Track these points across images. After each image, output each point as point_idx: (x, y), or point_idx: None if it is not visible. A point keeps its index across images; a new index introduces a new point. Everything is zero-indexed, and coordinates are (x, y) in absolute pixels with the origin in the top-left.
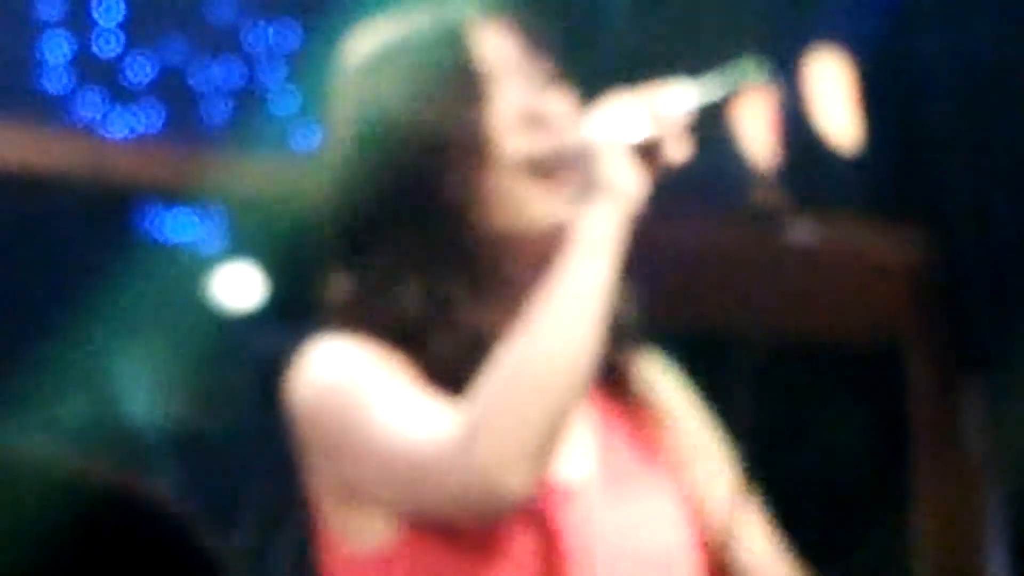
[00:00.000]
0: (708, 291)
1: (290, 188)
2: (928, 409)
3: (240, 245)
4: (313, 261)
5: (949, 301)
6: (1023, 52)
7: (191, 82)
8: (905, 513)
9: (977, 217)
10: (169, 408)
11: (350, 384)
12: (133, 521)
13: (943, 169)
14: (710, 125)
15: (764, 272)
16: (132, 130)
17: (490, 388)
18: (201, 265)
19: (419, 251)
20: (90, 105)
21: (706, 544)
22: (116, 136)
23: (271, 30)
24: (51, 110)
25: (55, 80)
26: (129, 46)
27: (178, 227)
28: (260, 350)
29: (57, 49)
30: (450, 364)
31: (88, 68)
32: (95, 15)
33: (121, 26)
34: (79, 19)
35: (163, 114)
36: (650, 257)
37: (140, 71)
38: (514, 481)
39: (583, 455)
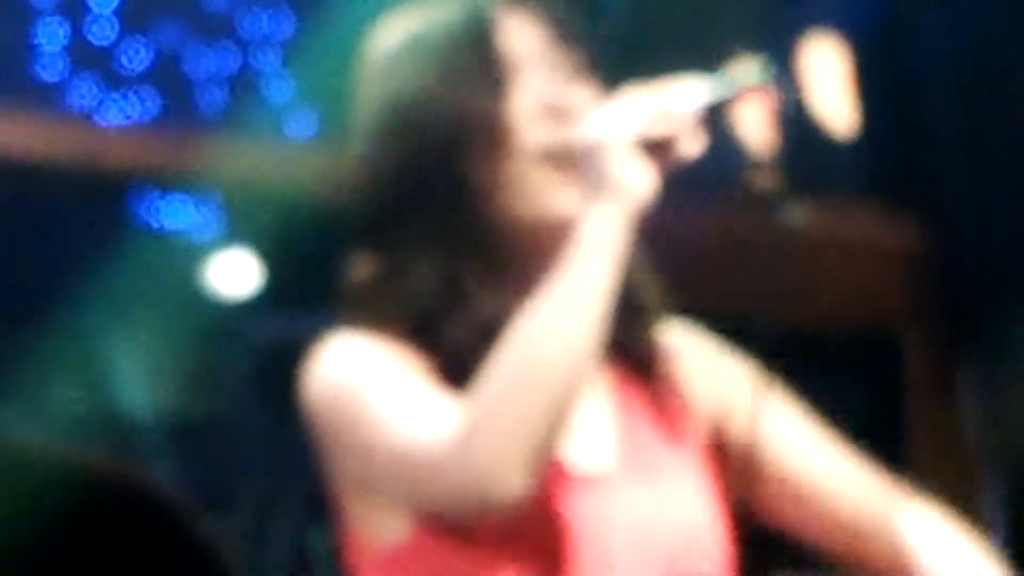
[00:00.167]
0: (703, 277)
1: (285, 175)
2: (924, 395)
3: (235, 232)
4: (308, 248)
5: (945, 288)
6: (1020, 39)
7: (186, 69)
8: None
9: (974, 203)
10: (164, 395)
11: (359, 384)
12: (128, 508)
13: (939, 155)
14: (706, 111)
15: (759, 258)
16: (127, 117)
17: (488, 388)
18: (196, 252)
19: (436, 236)
20: (85, 92)
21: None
22: (111, 123)
23: (265, 17)
24: (46, 97)
25: (50, 67)
26: (124, 33)
27: (173, 214)
28: (255, 337)
29: (52, 36)
30: (462, 351)
31: (83, 55)
32: (89, 2)
33: (116, 13)
34: (73, 6)
35: (158, 101)
36: (644, 243)
37: (135, 58)
38: (510, 481)
39: (603, 443)
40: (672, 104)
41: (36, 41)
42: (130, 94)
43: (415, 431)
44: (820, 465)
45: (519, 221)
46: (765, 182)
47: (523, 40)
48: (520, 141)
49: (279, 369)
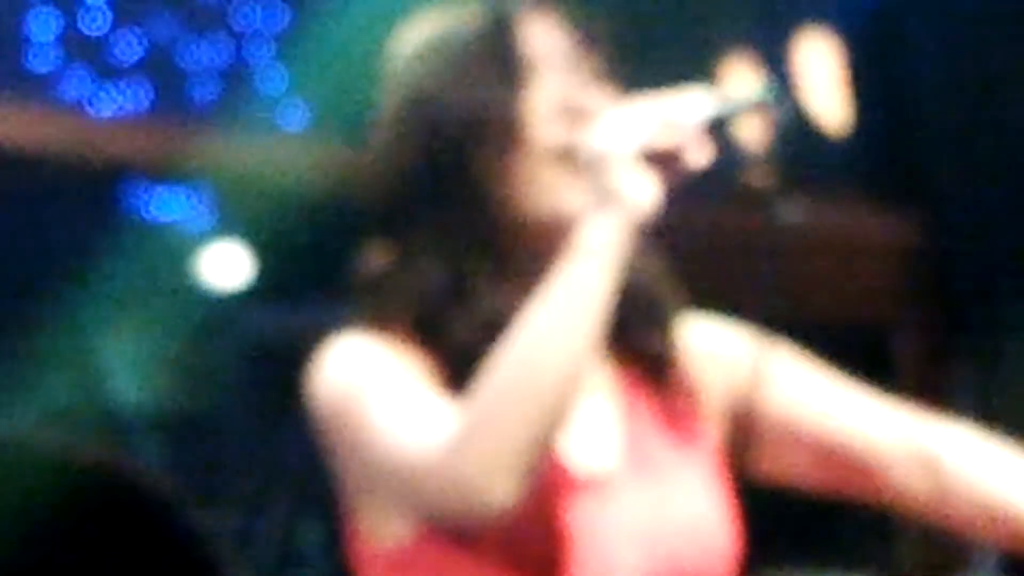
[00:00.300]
0: (697, 272)
1: (277, 167)
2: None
3: (227, 224)
4: (299, 240)
5: (939, 284)
6: (1012, 34)
7: (179, 60)
8: None
9: (967, 200)
10: (155, 387)
11: (360, 388)
12: (113, 499)
13: (933, 152)
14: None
15: (753, 252)
16: (119, 108)
17: (478, 397)
18: (188, 244)
19: (445, 230)
20: (77, 83)
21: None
22: (103, 114)
23: (258, 9)
24: (38, 88)
25: (42, 58)
26: (117, 24)
27: (165, 206)
28: (247, 329)
29: (44, 27)
30: (465, 348)
31: (75, 46)
32: None
33: (108, 4)
34: None
35: (151, 92)
36: (652, 243)
37: (128, 49)
38: (498, 489)
39: (608, 446)
40: (677, 116)
41: (29, 32)
42: (123, 85)
43: (410, 438)
44: (845, 409)
45: (528, 219)
46: (759, 179)
47: (544, 42)
48: (534, 140)
49: (270, 361)
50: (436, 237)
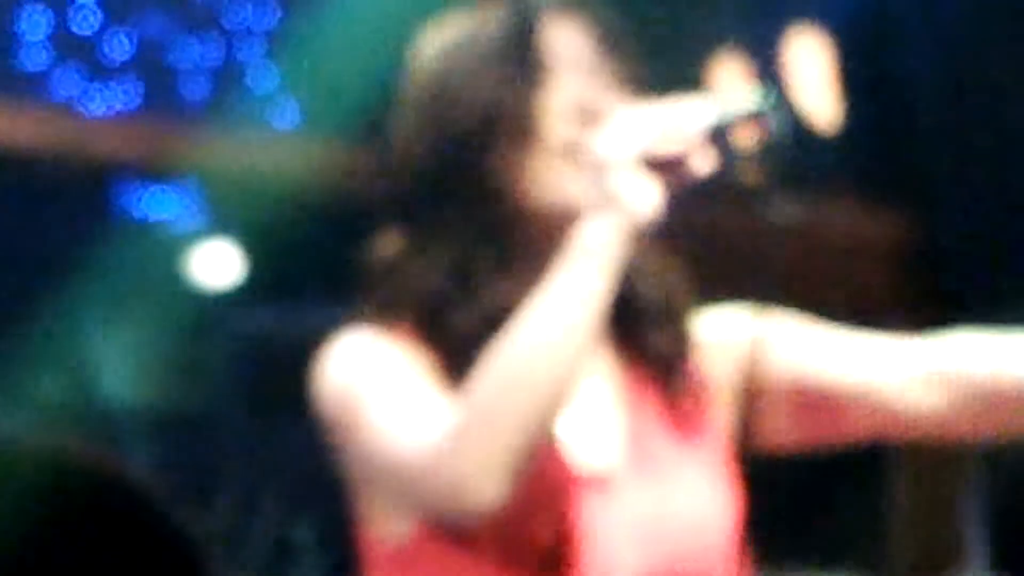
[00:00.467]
0: (690, 269)
1: (268, 165)
2: None
3: (218, 222)
4: (291, 239)
5: (932, 282)
6: (1006, 31)
7: (170, 59)
8: (884, 493)
9: (960, 198)
10: (146, 386)
11: (361, 386)
12: (106, 501)
13: (926, 150)
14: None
15: (745, 251)
16: (110, 107)
17: (471, 397)
18: (179, 242)
19: (454, 222)
20: (68, 82)
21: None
22: (94, 113)
23: (249, 7)
24: (29, 87)
25: (33, 57)
26: (107, 23)
27: (156, 204)
28: (238, 328)
29: (35, 26)
30: (468, 340)
31: (66, 45)
32: None
33: (99, 3)
34: None
35: (141, 91)
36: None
37: (118, 48)
38: (485, 491)
39: (611, 443)
40: (681, 122)
41: (19, 30)
42: (113, 84)
43: (405, 437)
44: (844, 355)
45: (537, 214)
46: (751, 178)
47: (566, 44)
48: (547, 139)
49: (262, 360)
50: (445, 228)
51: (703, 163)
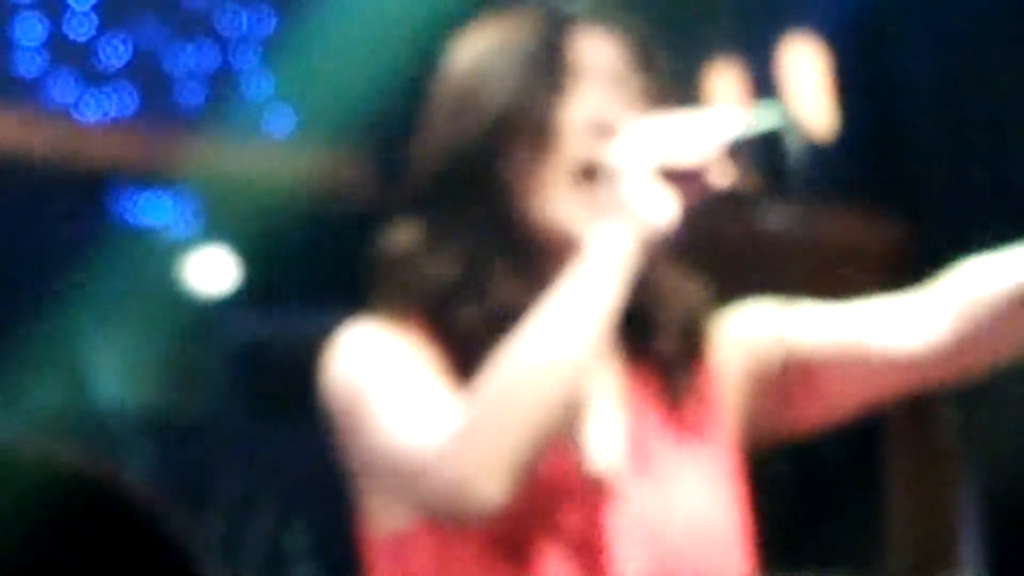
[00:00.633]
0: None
1: (263, 172)
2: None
3: (213, 229)
4: (286, 245)
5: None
6: (997, 37)
7: (165, 65)
8: (878, 496)
9: (954, 205)
10: (141, 391)
11: (367, 381)
12: (98, 508)
13: (920, 157)
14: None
15: (738, 257)
16: (105, 113)
17: (476, 398)
18: (174, 248)
19: (468, 220)
20: (63, 88)
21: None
22: (89, 119)
23: (245, 14)
24: (24, 93)
25: (28, 63)
26: (103, 29)
27: (151, 211)
28: (233, 334)
29: (30, 32)
30: (474, 338)
31: (61, 51)
32: None
33: (94, 9)
34: (52, 2)
35: (136, 97)
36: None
37: (114, 54)
38: (487, 492)
39: (613, 445)
40: (698, 135)
41: (14, 36)
42: (108, 90)
43: (409, 434)
44: (855, 324)
45: (546, 225)
46: (746, 185)
47: (594, 55)
48: (565, 150)
49: (256, 365)
50: (461, 225)
51: (721, 176)
